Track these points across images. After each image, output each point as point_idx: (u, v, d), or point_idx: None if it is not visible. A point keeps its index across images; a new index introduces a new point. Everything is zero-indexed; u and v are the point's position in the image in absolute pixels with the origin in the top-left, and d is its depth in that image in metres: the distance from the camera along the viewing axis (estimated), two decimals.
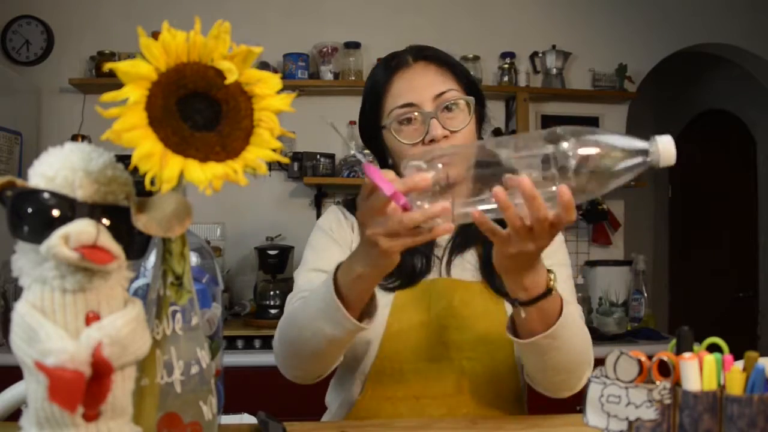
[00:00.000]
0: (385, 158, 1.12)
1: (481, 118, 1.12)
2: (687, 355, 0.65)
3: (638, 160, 0.74)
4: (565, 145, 0.75)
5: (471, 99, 1.06)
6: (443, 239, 1.11)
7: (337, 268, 0.89)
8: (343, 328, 0.89)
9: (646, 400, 0.64)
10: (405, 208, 0.73)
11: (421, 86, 1.04)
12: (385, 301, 1.04)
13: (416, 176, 0.74)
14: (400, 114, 1.04)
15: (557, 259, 1.11)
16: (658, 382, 0.65)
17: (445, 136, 1.01)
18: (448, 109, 1.03)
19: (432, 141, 1.01)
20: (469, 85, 1.09)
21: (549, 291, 0.87)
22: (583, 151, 0.74)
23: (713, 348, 0.67)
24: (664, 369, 0.66)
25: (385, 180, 0.72)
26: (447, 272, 1.10)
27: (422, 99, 1.03)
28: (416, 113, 1.03)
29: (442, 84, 1.05)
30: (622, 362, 0.65)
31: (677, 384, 0.65)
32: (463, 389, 1.05)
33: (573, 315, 0.95)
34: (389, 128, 1.05)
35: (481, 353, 1.06)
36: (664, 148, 0.73)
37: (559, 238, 1.14)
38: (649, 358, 0.67)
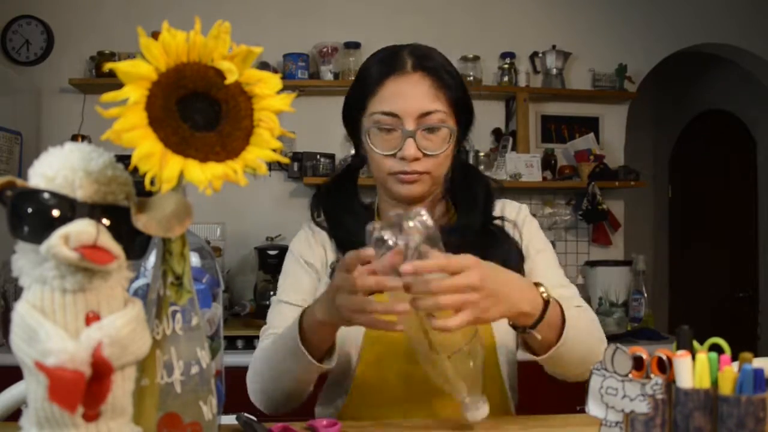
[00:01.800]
0: (358, 146, 1.14)
1: (463, 137, 1.12)
2: (680, 352, 0.66)
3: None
4: None
5: (454, 129, 1.05)
6: (413, 242, 1.10)
7: (303, 312, 0.95)
8: (309, 369, 0.95)
9: (640, 393, 0.66)
10: None
11: (410, 99, 1.02)
12: None
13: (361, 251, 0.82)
14: (380, 121, 1.03)
15: (534, 246, 1.13)
16: (653, 377, 0.66)
17: (417, 158, 1.02)
18: (429, 130, 1.02)
19: (403, 158, 1.02)
20: (461, 107, 1.07)
21: (547, 303, 0.91)
22: None
23: (715, 348, 0.68)
24: (663, 366, 0.68)
25: None
26: None
27: (407, 112, 1.01)
28: (396, 126, 1.02)
29: (432, 103, 1.02)
30: (617, 356, 0.67)
31: (673, 381, 0.66)
32: (446, 390, 1.05)
33: (573, 310, 0.98)
34: (367, 132, 1.05)
35: (464, 352, 1.05)
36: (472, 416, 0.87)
37: (533, 224, 1.17)
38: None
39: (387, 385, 1.05)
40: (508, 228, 1.13)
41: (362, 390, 1.06)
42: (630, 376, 0.67)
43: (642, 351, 0.68)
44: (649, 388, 0.66)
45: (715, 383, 0.65)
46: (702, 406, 0.64)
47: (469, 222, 1.10)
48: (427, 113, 1.02)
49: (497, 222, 1.13)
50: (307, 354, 0.92)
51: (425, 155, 1.02)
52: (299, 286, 1.12)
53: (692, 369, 0.65)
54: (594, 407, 0.68)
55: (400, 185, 1.04)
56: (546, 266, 1.12)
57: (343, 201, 1.14)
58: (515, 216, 1.15)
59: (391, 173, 1.04)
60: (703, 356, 0.65)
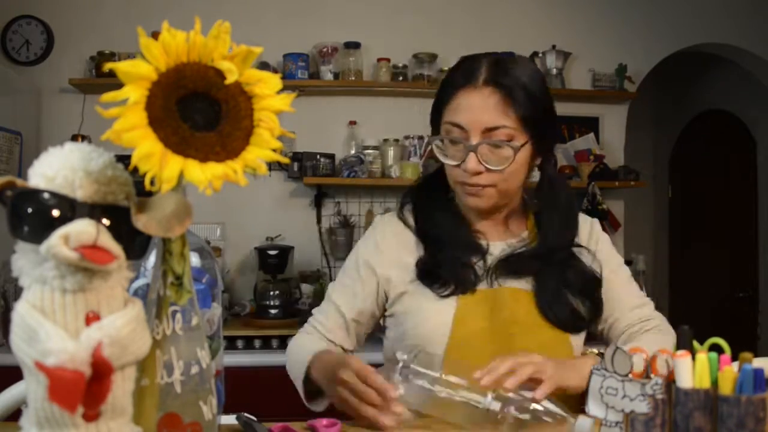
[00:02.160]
0: None
1: (540, 149, 1.10)
2: (680, 352, 0.66)
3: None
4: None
5: (516, 145, 1.03)
6: (496, 249, 1.12)
7: (314, 357, 1.05)
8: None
9: (640, 393, 0.66)
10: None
11: (477, 113, 1.03)
12: (447, 308, 1.07)
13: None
14: (449, 131, 1.06)
15: (609, 266, 1.16)
16: (653, 377, 0.67)
17: (479, 172, 1.04)
18: (494, 144, 1.03)
19: (465, 171, 1.04)
20: (535, 121, 1.05)
21: None
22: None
23: (715, 348, 0.68)
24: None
25: None
26: (495, 283, 1.10)
27: (472, 126, 1.03)
28: (462, 138, 1.04)
29: (499, 118, 1.02)
30: (617, 356, 0.68)
31: (673, 381, 0.66)
32: None
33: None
34: (439, 140, 1.08)
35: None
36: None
37: (606, 242, 1.20)
38: None
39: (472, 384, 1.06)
40: (582, 252, 1.15)
41: None
42: (630, 376, 0.67)
43: (642, 351, 0.68)
44: (649, 388, 0.66)
45: (715, 383, 0.65)
46: (702, 406, 0.64)
47: (553, 248, 1.11)
48: (494, 128, 1.02)
49: (575, 249, 1.14)
50: (303, 398, 1.07)
51: (488, 169, 1.03)
52: (354, 294, 1.15)
53: (692, 369, 0.65)
54: (594, 407, 0.68)
55: (466, 196, 1.08)
56: (621, 285, 1.16)
57: (435, 199, 1.17)
58: (587, 234, 1.18)
59: (458, 182, 1.08)
60: (703, 356, 0.65)
